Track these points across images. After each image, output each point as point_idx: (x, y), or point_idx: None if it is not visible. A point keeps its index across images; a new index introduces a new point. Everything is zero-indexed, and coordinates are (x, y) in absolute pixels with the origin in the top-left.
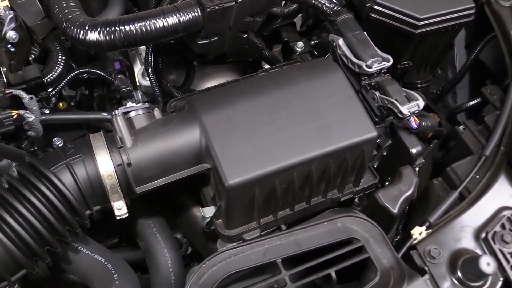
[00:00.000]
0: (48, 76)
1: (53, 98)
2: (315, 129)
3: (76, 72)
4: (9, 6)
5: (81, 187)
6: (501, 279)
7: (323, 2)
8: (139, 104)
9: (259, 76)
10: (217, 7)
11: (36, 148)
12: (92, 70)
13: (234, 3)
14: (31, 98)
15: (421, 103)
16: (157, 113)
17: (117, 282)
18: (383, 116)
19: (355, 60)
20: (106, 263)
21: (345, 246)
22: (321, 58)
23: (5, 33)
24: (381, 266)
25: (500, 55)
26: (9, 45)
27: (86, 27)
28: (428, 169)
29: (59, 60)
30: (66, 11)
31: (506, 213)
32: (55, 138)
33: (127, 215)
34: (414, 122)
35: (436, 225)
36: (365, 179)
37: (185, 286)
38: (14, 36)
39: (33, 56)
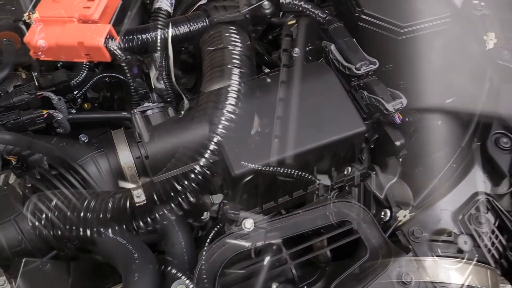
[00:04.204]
0: (74, 80)
1: (79, 100)
2: (311, 125)
3: (99, 76)
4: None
5: (104, 177)
6: (476, 255)
7: (316, 12)
8: (155, 104)
9: (260, 78)
10: (222, 18)
11: (64, 143)
12: (113, 74)
13: (238, 14)
14: (60, 99)
15: (404, 101)
16: (171, 111)
17: (137, 261)
18: (371, 113)
19: (345, 63)
20: (127, 244)
21: (338, 227)
22: (315, 62)
23: (36, 41)
24: (371, 245)
25: None
26: (39, 53)
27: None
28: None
29: (84, 65)
30: None
31: (480, 197)
32: (81, 135)
33: (145, 202)
34: (398, 118)
35: (419, 208)
36: (355, 169)
37: (197, 264)
38: (44, 45)
39: (61, 62)
